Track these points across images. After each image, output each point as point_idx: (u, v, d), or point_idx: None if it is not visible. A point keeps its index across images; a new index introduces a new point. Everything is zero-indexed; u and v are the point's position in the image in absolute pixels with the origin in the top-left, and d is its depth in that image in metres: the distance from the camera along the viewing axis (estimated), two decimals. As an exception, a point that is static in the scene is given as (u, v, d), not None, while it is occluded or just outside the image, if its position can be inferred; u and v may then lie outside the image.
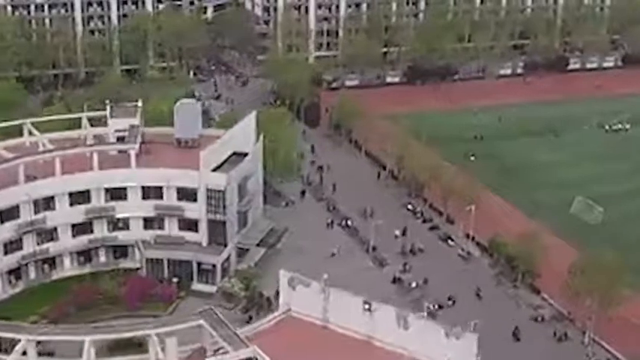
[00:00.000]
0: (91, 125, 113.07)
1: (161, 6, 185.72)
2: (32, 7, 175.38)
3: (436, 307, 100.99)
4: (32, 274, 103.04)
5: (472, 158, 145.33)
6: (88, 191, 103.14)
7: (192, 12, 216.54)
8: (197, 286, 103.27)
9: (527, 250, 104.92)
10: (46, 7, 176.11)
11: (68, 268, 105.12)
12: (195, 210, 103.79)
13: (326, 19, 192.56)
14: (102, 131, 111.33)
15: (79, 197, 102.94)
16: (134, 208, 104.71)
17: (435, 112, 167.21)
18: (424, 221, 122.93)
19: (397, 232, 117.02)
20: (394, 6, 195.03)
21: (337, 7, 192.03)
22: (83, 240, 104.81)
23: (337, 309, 71.92)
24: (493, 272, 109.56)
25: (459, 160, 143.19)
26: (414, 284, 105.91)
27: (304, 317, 73.62)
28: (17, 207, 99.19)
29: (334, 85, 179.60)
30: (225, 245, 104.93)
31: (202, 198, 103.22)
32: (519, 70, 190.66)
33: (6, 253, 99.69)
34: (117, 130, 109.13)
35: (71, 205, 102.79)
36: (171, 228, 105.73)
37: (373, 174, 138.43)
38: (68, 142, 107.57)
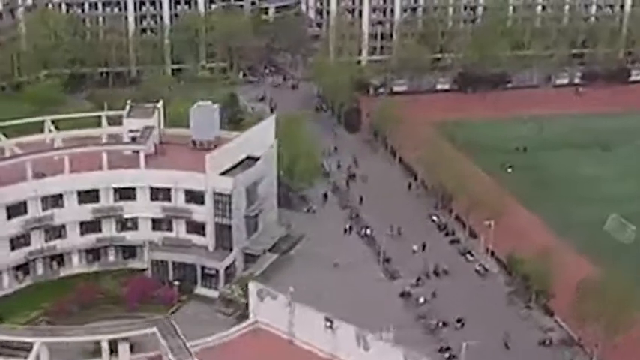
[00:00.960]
0: (110, 124, 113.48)
1: (213, 6, 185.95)
2: (86, 6, 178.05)
3: (440, 324, 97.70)
4: (40, 270, 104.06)
5: (509, 170, 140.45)
6: (96, 190, 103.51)
7: (254, 12, 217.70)
8: (201, 290, 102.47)
9: (541, 269, 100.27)
10: (99, 5, 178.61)
11: (77, 266, 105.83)
12: (203, 213, 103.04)
13: (380, 22, 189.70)
14: (117, 131, 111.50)
15: (88, 196, 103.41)
16: (142, 208, 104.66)
17: (482, 120, 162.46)
18: (446, 234, 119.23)
19: (415, 247, 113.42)
20: (450, 11, 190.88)
21: (392, 11, 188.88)
22: (92, 238, 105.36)
23: (302, 324, 69.77)
24: (507, 290, 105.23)
25: (495, 170, 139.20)
26: (422, 299, 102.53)
27: (272, 330, 71.73)
28: (25, 203, 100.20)
29: (382, 90, 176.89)
30: (231, 250, 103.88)
31: (209, 201, 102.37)
32: (577, 80, 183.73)
33: (13, 248, 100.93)
34: (131, 131, 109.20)
35: (80, 203, 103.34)
36: (179, 230, 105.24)
37: (405, 183, 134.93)
38: (84, 141, 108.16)
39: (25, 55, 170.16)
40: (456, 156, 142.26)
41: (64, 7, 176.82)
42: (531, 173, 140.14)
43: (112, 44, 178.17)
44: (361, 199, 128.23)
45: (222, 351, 68.97)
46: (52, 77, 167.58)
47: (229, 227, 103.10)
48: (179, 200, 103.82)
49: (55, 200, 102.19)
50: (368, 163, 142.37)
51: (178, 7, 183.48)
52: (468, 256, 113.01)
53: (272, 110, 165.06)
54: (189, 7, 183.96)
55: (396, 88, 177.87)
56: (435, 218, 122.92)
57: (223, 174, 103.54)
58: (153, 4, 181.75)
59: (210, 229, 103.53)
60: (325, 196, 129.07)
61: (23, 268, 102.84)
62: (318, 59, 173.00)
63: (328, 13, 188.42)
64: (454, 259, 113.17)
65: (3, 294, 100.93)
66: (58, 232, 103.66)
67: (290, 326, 70.26)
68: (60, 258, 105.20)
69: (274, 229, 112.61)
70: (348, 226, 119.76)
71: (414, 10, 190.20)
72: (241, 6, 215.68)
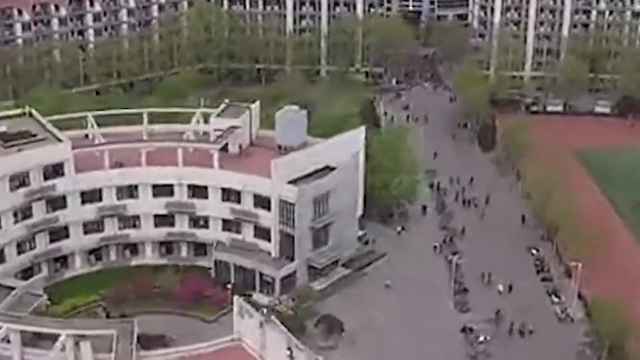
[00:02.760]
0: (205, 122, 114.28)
1: (372, 9, 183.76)
2: (247, 2, 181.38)
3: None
4: (113, 257, 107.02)
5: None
6: (171, 185, 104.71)
7: (431, 19, 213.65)
8: (258, 296, 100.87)
9: (619, 320, 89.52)
10: (260, 2, 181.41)
11: (149, 257, 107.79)
12: (269, 219, 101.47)
13: (547, 37, 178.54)
14: (205, 129, 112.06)
15: (162, 190, 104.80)
16: (213, 208, 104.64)
17: (633, 151, 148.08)
18: (541, 270, 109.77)
19: (501, 288, 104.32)
20: (626, 29, 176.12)
21: (560, 25, 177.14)
22: (163, 232, 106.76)
23: (272, 347, 66.46)
24: (583, 341, 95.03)
25: (625, 206, 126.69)
26: (481, 338, 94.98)
27: (248, 349, 68.93)
28: (100, 191, 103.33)
29: (534, 108, 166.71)
30: (293, 260, 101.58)
31: (275, 208, 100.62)
32: None
33: (86, 233, 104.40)
34: (217, 130, 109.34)
35: (154, 196, 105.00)
36: (247, 234, 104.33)
37: (520, 212, 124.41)
38: (170, 136, 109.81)
39: (182, 48, 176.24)
40: (584, 186, 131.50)
41: (225, 3, 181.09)
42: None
43: (268, 42, 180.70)
44: (464, 224, 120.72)
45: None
46: (203, 71, 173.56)
47: (293, 236, 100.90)
48: (248, 203, 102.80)
49: (130, 191, 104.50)
50: (489, 185, 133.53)
51: (337, 8, 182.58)
52: (554, 297, 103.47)
53: (407, 119, 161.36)
54: (349, 9, 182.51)
55: (550, 108, 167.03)
56: (534, 251, 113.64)
57: (295, 181, 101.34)
58: (312, 4, 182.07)
59: (274, 236, 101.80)
60: (424, 209, 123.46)
61: (96, 252, 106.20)
62: (464, 70, 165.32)
63: (492, 24, 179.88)
64: (539, 298, 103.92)
65: (74, 274, 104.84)
66: (132, 221, 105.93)
67: (262, 348, 67.16)
68: (133, 247, 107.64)
69: (350, 244, 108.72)
70: (437, 245, 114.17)
71: (586, 26, 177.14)
72: (419, 12, 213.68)
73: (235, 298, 71.13)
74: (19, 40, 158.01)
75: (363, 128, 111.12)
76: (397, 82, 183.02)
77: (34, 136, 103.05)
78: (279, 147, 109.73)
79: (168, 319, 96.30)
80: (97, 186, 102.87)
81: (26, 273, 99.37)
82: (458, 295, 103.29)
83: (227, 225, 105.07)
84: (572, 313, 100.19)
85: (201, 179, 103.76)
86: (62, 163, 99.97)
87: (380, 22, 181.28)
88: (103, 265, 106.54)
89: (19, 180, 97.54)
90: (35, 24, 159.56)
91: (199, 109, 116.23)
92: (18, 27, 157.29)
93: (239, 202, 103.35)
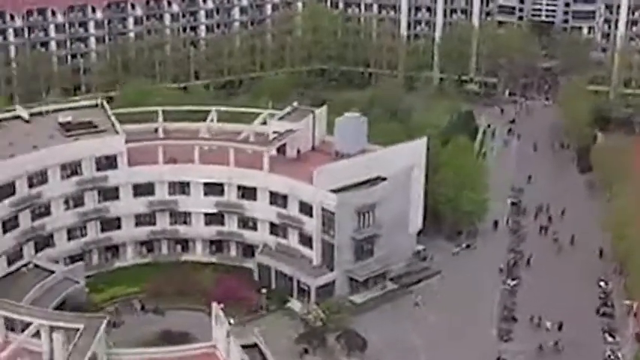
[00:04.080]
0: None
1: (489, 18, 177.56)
2: (362, 6, 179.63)
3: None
4: (164, 250, 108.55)
5: None
6: (221, 184, 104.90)
7: (563, 30, 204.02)
8: (294, 303, 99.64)
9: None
10: (375, 6, 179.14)
11: (199, 254, 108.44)
12: (312, 226, 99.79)
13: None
14: (264, 130, 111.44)
15: (213, 188, 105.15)
16: (261, 210, 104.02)
17: None
18: (605, 305, 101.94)
19: (548, 325, 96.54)
20: None
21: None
22: (213, 230, 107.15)
23: (234, 357, 65.03)
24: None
25: None
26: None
27: (219, 356, 67.73)
28: (152, 185, 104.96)
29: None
30: (332, 270, 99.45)
31: (317, 215, 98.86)
32: None
33: (137, 225, 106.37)
34: (275, 132, 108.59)
35: (205, 194, 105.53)
36: (292, 239, 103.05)
37: (600, 243, 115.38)
38: (229, 135, 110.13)
39: (294, 48, 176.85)
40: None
41: (341, 5, 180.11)
42: None
43: (381, 47, 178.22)
44: (533, 250, 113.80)
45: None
46: (311, 73, 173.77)
47: (332, 246, 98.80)
48: (293, 209, 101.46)
49: (182, 187, 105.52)
50: (577, 210, 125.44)
51: (454, 15, 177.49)
52: (609, 336, 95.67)
53: (509, 133, 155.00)
54: (465, 16, 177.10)
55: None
56: (602, 284, 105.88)
57: (342, 190, 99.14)
58: (428, 10, 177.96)
59: (316, 245, 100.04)
60: (495, 224, 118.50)
61: (147, 245, 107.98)
62: (572, 84, 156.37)
63: (615, 37, 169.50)
64: (592, 336, 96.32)
65: (124, 265, 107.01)
66: (183, 217, 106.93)
67: (228, 357, 65.87)
68: (185, 243, 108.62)
69: (400, 258, 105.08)
70: (502, 267, 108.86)
71: None
72: (552, 22, 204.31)
73: (214, 304, 69.93)
74: (131, 34, 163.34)
75: (424, 139, 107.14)
76: (510, 94, 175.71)
77: (95, 127, 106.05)
78: (336, 153, 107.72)
79: (199, 316, 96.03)
80: (149, 180, 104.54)
81: (74, 259, 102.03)
82: (504, 323, 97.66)
83: (274, 229, 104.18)
84: (622, 355, 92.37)
85: (250, 181, 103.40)
86: (115, 155, 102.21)
87: (496, 31, 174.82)
88: (154, 257, 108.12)
89: (71, 169, 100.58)
90: (148, 18, 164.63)
91: (267, 110, 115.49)
92: (130, 21, 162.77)
93: (285, 206, 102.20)
